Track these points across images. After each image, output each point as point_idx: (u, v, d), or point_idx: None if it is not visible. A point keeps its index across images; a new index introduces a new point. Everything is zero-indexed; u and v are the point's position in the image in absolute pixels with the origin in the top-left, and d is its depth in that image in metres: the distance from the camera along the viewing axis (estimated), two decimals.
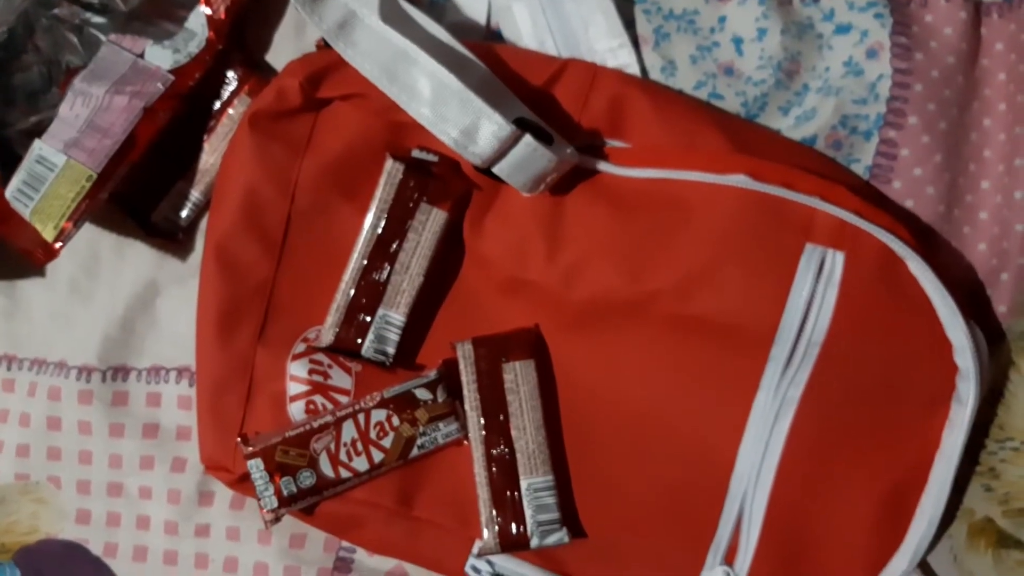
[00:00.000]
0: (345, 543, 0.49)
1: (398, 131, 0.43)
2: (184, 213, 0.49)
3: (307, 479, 0.43)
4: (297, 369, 0.44)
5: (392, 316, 0.43)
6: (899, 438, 0.41)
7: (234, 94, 0.48)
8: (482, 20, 0.47)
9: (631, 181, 0.42)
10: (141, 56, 0.46)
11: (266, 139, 0.43)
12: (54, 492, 0.52)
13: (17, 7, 0.48)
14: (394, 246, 0.43)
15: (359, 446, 0.43)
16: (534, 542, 0.43)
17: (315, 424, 0.43)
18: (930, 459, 0.41)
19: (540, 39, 0.45)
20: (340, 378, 0.45)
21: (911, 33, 0.44)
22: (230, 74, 0.48)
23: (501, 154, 0.39)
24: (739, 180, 0.41)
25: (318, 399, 0.44)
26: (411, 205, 0.42)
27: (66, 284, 0.51)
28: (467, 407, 0.43)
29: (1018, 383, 0.43)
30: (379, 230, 0.42)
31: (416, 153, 0.43)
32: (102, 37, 0.48)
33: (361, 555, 0.49)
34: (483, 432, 0.43)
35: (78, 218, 0.44)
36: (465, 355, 0.43)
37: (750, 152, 0.42)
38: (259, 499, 0.43)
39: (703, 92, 0.46)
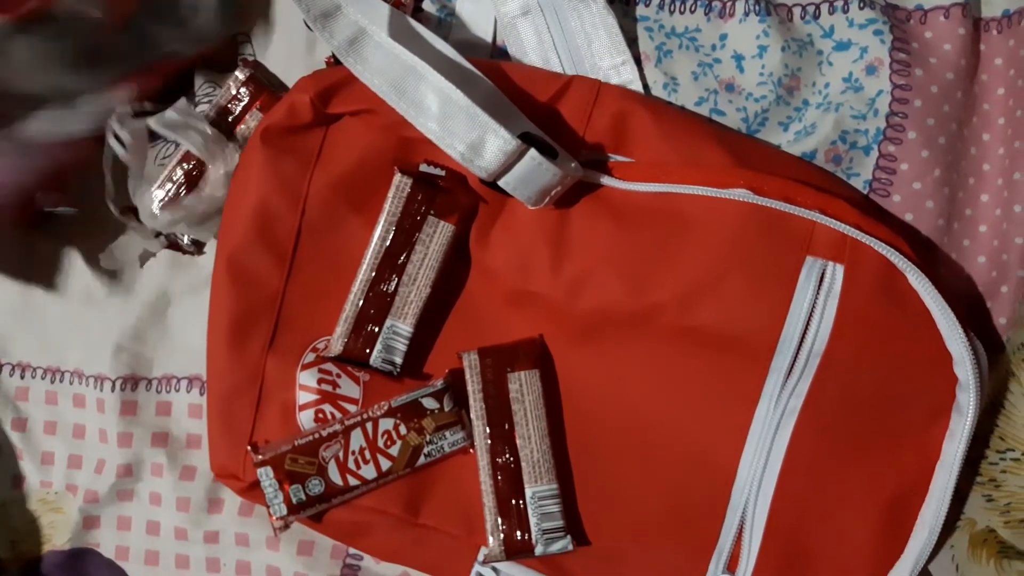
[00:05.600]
0: (352, 550, 0.50)
1: (406, 146, 0.44)
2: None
3: (316, 487, 0.43)
4: (306, 378, 0.45)
5: (400, 327, 0.43)
6: (899, 448, 0.41)
7: (246, 109, 0.49)
8: (488, 37, 0.48)
9: (634, 195, 0.43)
10: None
11: (277, 153, 0.44)
12: (70, 500, 0.52)
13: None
14: (402, 258, 0.43)
15: (367, 454, 0.44)
16: (538, 549, 0.43)
17: (324, 433, 0.44)
18: (931, 469, 0.41)
19: (545, 56, 0.46)
20: (349, 387, 0.45)
21: (910, 49, 0.45)
22: (243, 90, 0.49)
23: (507, 168, 0.40)
24: (740, 194, 0.41)
25: (327, 408, 0.45)
26: (419, 218, 0.43)
27: (81, 294, 0.52)
28: (473, 416, 0.44)
29: (1018, 394, 0.43)
30: (387, 242, 0.43)
31: (424, 167, 0.44)
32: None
33: (368, 562, 0.50)
34: (488, 441, 0.44)
35: None
36: (471, 365, 0.44)
37: (751, 167, 0.42)
38: (268, 506, 0.44)
39: (704, 108, 0.46)
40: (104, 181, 0.48)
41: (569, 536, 0.43)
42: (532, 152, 0.39)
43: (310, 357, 0.45)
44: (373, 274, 0.43)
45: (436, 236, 0.43)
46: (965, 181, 0.45)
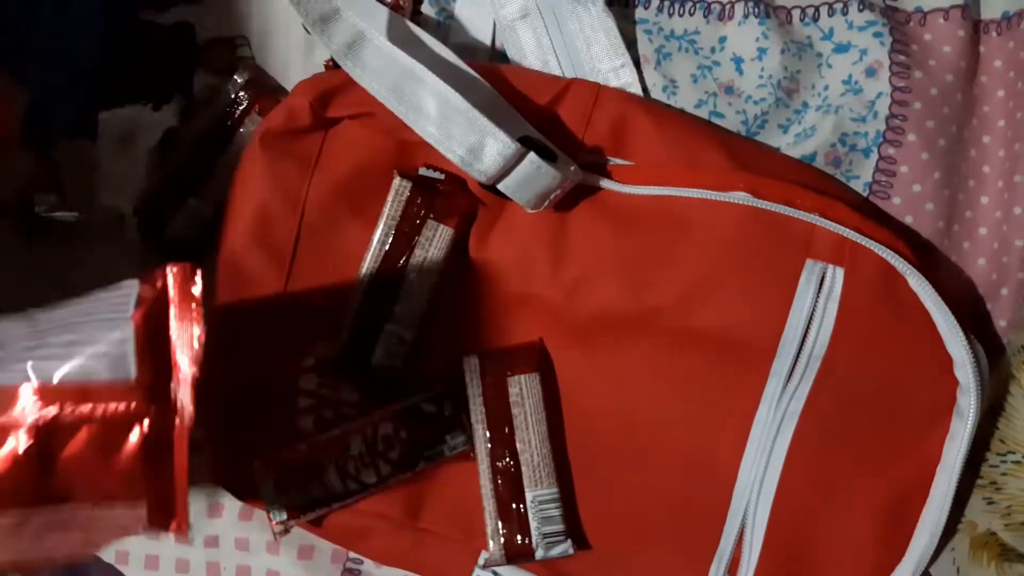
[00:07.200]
0: (353, 554, 0.50)
1: (405, 149, 0.44)
2: (197, 229, 0.50)
3: (316, 491, 0.43)
4: (306, 383, 0.45)
5: (399, 331, 0.43)
6: (900, 452, 0.41)
7: (245, 113, 0.49)
8: (487, 41, 0.48)
9: (633, 198, 0.43)
10: None
11: (277, 157, 0.44)
12: None
13: None
14: (401, 261, 0.43)
15: (367, 459, 0.43)
16: (539, 553, 0.43)
17: (324, 438, 0.44)
18: (931, 472, 0.41)
19: (544, 59, 0.46)
20: (348, 392, 0.45)
21: (910, 51, 0.45)
22: (241, 94, 0.49)
23: (506, 172, 0.40)
24: (740, 197, 0.41)
25: (327, 412, 0.45)
26: (418, 221, 0.43)
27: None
28: (473, 420, 0.44)
29: (1019, 397, 0.43)
30: (387, 246, 0.43)
31: (423, 171, 0.44)
32: None
33: (368, 566, 0.50)
34: (489, 445, 0.44)
35: None
36: (471, 369, 0.44)
37: (750, 169, 0.42)
38: (268, 511, 0.43)
39: (704, 111, 0.46)
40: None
41: (570, 540, 0.43)
42: (531, 155, 0.39)
43: (309, 361, 0.45)
44: (373, 277, 0.43)
45: (436, 239, 0.43)
46: (965, 183, 0.45)
